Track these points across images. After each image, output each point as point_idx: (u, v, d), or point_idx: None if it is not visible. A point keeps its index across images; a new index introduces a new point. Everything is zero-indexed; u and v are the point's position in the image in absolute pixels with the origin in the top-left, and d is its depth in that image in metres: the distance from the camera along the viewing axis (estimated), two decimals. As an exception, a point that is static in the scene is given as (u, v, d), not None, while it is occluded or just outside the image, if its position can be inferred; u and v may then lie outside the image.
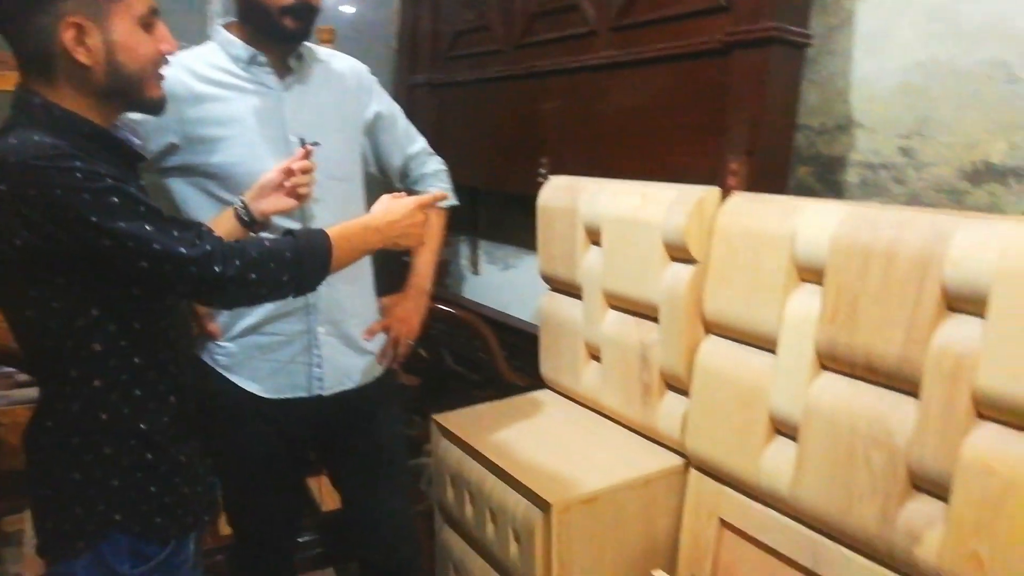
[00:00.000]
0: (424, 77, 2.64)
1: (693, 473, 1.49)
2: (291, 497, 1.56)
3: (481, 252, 2.89)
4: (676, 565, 1.52)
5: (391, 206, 1.25)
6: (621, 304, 1.65)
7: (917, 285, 1.08)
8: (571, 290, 1.79)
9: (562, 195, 1.77)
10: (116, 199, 0.93)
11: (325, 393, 1.41)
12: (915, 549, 1.09)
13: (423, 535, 1.90)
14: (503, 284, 2.73)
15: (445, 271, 2.94)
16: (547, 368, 1.91)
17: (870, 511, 1.15)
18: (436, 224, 1.62)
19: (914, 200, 1.42)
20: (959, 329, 1.05)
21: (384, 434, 1.54)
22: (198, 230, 1.01)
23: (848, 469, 1.18)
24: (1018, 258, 0.98)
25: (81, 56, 0.96)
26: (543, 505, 1.39)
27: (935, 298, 1.07)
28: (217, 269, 0.98)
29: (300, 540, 1.77)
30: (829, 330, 1.20)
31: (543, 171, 2.06)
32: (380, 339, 1.58)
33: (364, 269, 1.54)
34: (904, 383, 1.11)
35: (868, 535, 1.16)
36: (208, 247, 0.98)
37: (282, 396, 1.39)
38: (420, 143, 1.63)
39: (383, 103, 1.56)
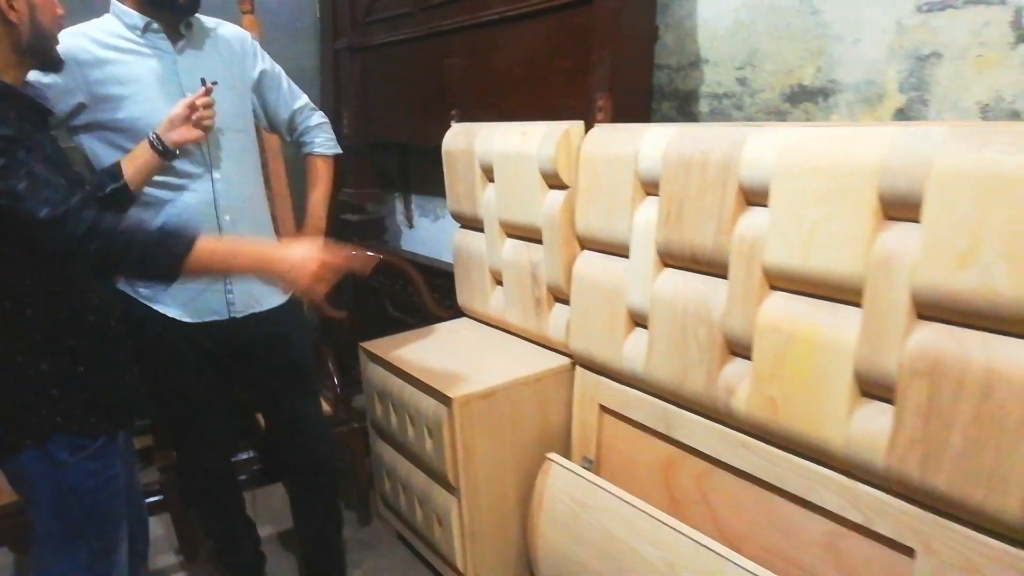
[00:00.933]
0: (346, 42, 2.81)
1: (578, 370, 1.74)
2: (222, 413, 1.74)
3: (414, 207, 3.10)
4: (569, 449, 1.77)
5: (297, 249, 1.29)
6: (514, 232, 1.88)
7: (722, 186, 1.32)
8: (475, 224, 2.02)
9: (461, 140, 1.99)
10: (2, 159, 1.07)
11: (238, 315, 1.62)
12: (731, 401, 1.35)
13: (361, 453, 2.14)
14: (435, 234, 2.94)
15: (382, 228, 3.14)
16: (462, 297, 2.14)
17: (699, 376, 1.40)
18: (323, 170, 1.80)
19: (750, 121, 1.65)
20: (753, 219, 1.29)
21: (297, 352, 1.74)
22: (75, 197, 1.11)
23: (682, 344, 1.42)
24: (791, 156, 1.22)
25: (12, 16, 1.13)
26: (447, 401, 1.63)
27: (735, 195, 1.30)
28: (69, 237, 1.09)
29: (245, 456, 1.98)
30: (664, 232, 1.44)
31: (453, 122, 2.27)
32: None
33: (261, 217, 1.71)
34: (718, 268, 1.35)
35: (699, 396, 1.41)
36: (68, 213, 1.08)
37: (202, 320, 1.59)
38: (303, 99, 1.80)
39: (266, 63, 1.73)
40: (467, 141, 1.95)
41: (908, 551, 1.13)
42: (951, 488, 1.04)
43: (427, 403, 1.71)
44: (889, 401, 1.12)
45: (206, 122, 1.45)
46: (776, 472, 1.31)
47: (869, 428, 1.14)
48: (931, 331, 1.06)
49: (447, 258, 2.77)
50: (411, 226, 3.13)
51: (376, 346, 1.97)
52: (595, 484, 1.59)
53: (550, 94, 1.92)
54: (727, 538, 1.41)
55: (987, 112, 1.26)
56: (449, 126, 2.29)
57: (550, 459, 1.69)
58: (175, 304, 1.57)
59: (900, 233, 1.09)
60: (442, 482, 1.73)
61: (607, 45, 1.71)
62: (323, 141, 1.79)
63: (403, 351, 1.91)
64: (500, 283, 1.98)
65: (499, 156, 1.83)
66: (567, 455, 1.76)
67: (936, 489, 1.06)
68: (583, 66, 1.78)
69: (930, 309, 1.06)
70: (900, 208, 1.08)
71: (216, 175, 1.55)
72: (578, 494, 1.60)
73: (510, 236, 1.90)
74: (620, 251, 1.58)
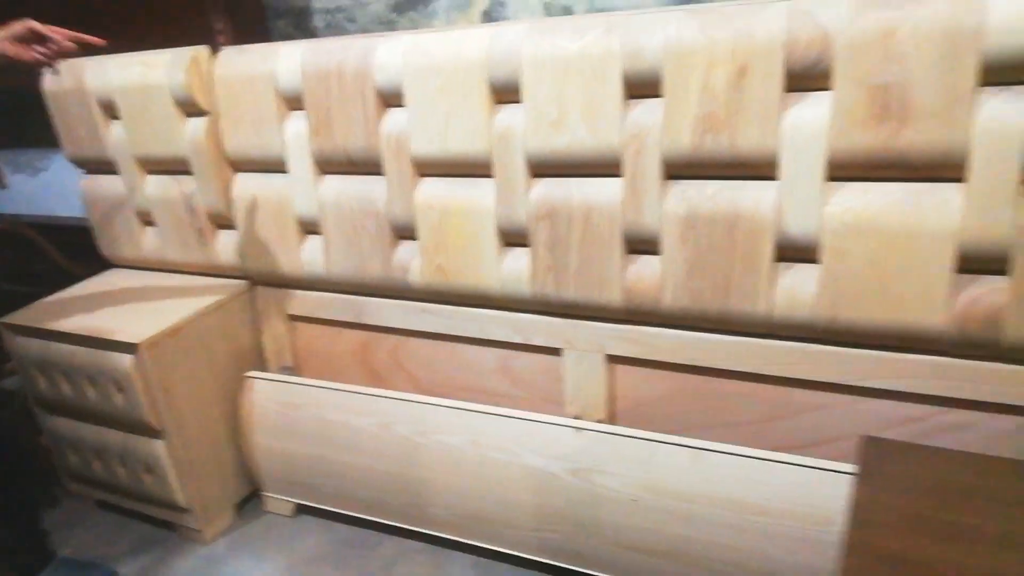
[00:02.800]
0: None
1: (259, 288, 1.82)
2: None
3: (1, 163, 2.70)
4: (264, 364, 1.87)
5: None
6: (156, 167, 1.83)
7: (361, 93, 1.49)
8: (105, 167, 1.90)
9: (66, 79, 1.82)
10: None
11: None
12: (407, 277, 1.58)
13: (30, 434, 1.96)
14: (36, 190, 2.62)
15: (-34, 195, 2.69)
16: (105, 245, 2.02)
17: (377, 263, 1.61)
18: None
19: (365, 32, 1.83)
20: (395, 118, 1.50)
21: None
22: None
23: (356, 240, 1.61)
24: (416, 59, 1.43)
25: None
26: (132, 349, 1.60)
27: (374, 100, 1.49)
28: None
29: None
30: (317, 142, 1.58)
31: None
32: None
33: None
34: (373, 167, 1.55)
35: (380, 280, 1.62)
36: None
37: None
38: None
39: None
40: (75, 79, 1.80)
41: (556, 351, 1.51)
42: (577, 295, 1.42)
43: (107, 359, 1.65)
44: (525, 245, 1.45)
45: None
46: (453, 324, 1.60)
47: (515, 268, 1.47)
48: (544, 185, 1.40)
49: (62, 212, 2.52)
50: (3, 186, 2.72)
51: (22, 318, 1.79)
52: (299, 384, 1.73)
53: (167, 23, 1.86)
54: (426, 390, 1.69)
55: (548, 9, 1.61)
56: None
57: (249, 376, 1.78)
58: None
59: (509, 113, 1.39)
60: (144, 431, 1.71)
61: (213, -33, 1.72)
62: None
63: (58, 316, 1.77)
64: (149, 223, 1.92)
65: (121, 91, 1.75)
66: (264, 369, 1.86)
67: (567, 299, 1.43)
68: (191, -11, 1.76)
69: (540, 168, 1.39)
70: (506, 93, 1.38)
71: None
72: (285, 397, 1.73)
73: (151, 172, 1.85)
74: (276, 167, 1.67)
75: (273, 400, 1.75)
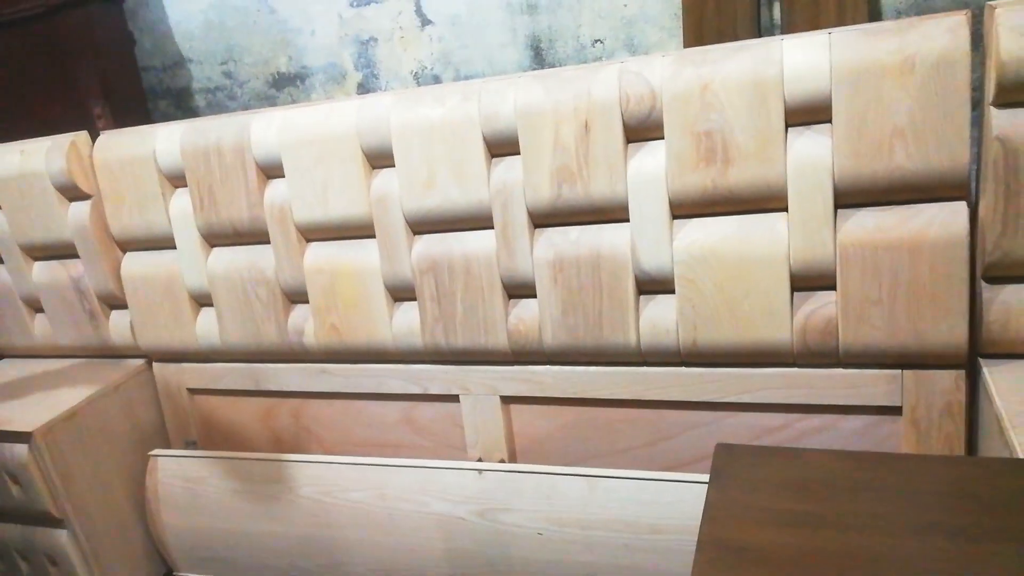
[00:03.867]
0: None
1: (155, 365, 1.82)
2: None
3: None
4: (168, 440, 1.86)
5: None
6: (42, 253, 1.82)
7: (242, 167, 1.55)
8: (-13, 258, 1.88)
9: (-60, 172, 1.81)
10: None
11: None
12: (303, 340, 1.63)
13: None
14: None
15: None
16: (-6, 337, 1.98)
17: (271, 329, 1.64)
18: None
19: (246, 108, 1.89)
20: (276, 189, 1.56)
21: None
22: None
23: (247, 308, 1.64)
24: (291, 134, 1.50)
25: None
26: (26, 438, 1.58)
27: (255, 173, 1.55)
28: None
29: None
30: (203, 217, 1.62)
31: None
32: None
33: None
34: (259, 236, 1.59)
35: (276, 345, 1.66)
36: None
37: None
38: None
39: None
40: (-51, 172, 1.79)
41: (455, 398, 1.57)
42: (465, 342, 1.49)
43: (0, 450, 1.62)
44: (413, 299, 1.53)
45: None
46: (352, 382, 1.64)
47: (405, 321, 1.53)
48: (424, 241, 1.48)
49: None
50: None
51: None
52: (202, 457, 1.74)
53: (46, 109, 1.87)
54: (332, 450, 1.72)
55: (418, 78, 1.72)
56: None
57: (153, 455, 1.77)
58: None
59: (384, 177, 1.47)
60: (45, 522, 1.67)
61: (87, 55, 1.75)
62: None
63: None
64: (39, 310, 1.90)
65: (0, 180, 1.75)
66: (168, 446, 1.85)
67: (457, 347, 1.50)
68: (71, 77, 1.79)
69: (418, 226, 1.47)
70: (379, 159, 1.46)
71: None
72: (190, 473, 1.73)
73: (37, 259, 1.84)
74: (164, 244, 1.69)
75: (179, 477, 1.74)
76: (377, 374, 1.62)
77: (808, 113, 1.16)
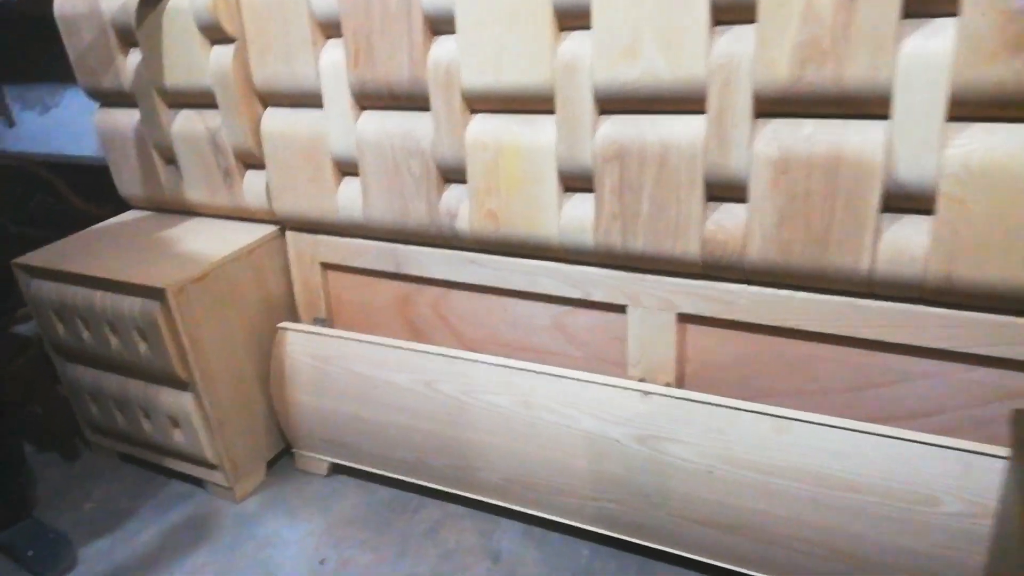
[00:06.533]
0: None
1: (289, 234, 1.69)
2: None
3: (10, 100, 2.56)
4: (296, 314, 1.75)
5: None
6: (179, 99, 1.68)
7: (407, 17, 1.34)
8: (121, 100, 1.76)
9: (79, 2, 1.67)
10: None
11: None
12: (455, 223, 1.45)
13: (45, 386, 1.87)
14: (48, 128, 2.48)
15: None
16: (121, 184, 1.89)
17: (421, 208, 1.47)
18: None
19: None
20: (444, 47, 1.35)
21: None
22: None
23: (397, 182, 1.47)
24: (468, -21, 1.27)
25: None
26: (158, 295, 1.49)
27: (421, 26, 1.34)
28: None
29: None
30: (356, 73, 1.43)
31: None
32: None
33: None
34: (418, 101, 1.40)
35: (424, 227, 1.49)
36: None
37: None
38: None
39: None
40: (89, 2, 1.65)
41: (621, 308, 1.38)
42: (646, 247, 1.28)
43: (130, 304, 1.54)
44: (589, 190, 1.32)
45: None
46: (503, 276, 1.47)
47: (577, 215, 1.33)
48: (613, 122, 1.25)
49: (73, 151, 2.39)
50: (11, 124, 2.59)
51: (38, 258, 1.68)
52: (333, 336, 1.62)
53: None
54: (470, 346, 1.57)
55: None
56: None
57: (282, 327, 1.67)
58: None
59: (574, 40, 1.23)
60: (170, 382, 1.61)
61: None
62: None
63: (76, 258, 1.66)
64: (171, 161, 1.78)
65: (139, 15, 1.59)
66: (296, 320, 1.74)
67: (635, 251, 1.30)
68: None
69: (609, 103, 1.24)
70: (570, 17, 1.22)
71: None
72: (319, 351, 1.62)
73: (173, 106, 1.71)
74: (310, 101, 1.52)
75: (307, 353, 1.64)
76: (533, 271, 1.44)
77: None
